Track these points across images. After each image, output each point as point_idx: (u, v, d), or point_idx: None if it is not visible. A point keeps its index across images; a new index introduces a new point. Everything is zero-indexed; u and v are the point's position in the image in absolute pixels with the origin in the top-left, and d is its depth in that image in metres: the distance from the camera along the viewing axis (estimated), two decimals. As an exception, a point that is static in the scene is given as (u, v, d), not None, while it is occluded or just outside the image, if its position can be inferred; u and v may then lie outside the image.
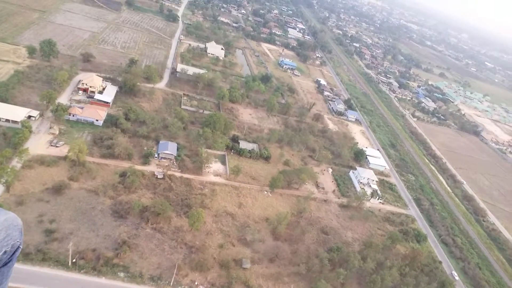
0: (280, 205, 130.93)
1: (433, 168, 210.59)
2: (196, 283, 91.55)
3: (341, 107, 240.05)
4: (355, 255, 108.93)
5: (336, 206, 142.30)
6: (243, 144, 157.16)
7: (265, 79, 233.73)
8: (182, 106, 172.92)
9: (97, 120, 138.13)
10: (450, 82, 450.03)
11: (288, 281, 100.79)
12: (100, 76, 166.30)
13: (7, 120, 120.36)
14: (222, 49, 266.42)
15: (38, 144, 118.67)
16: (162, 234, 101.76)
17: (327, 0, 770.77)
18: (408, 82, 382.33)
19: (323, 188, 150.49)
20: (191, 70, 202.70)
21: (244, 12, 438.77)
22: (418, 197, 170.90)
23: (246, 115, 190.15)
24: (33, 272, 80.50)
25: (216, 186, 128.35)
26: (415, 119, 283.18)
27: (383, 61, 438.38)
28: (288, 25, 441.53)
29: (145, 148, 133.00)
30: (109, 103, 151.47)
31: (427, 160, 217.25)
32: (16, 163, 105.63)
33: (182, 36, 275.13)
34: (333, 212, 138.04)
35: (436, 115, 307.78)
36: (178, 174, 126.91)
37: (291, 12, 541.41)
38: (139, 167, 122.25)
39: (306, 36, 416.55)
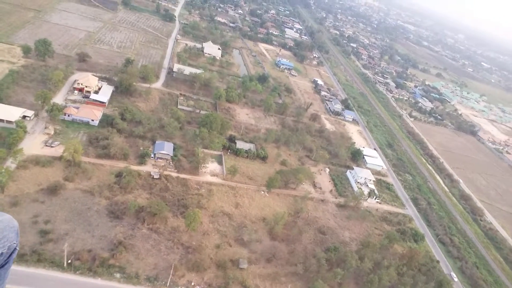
0: (277, 205, 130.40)
1: (430, 167, 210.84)
2: (192, 284, 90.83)
3: (338, 107, 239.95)
4: (353, 255, 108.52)
5: (333, 206, 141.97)
6: (240, 144, 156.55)
7: (262, 79, 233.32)
8: (179, 106, 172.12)
9: (92, 120, 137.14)
10: (447, 82, 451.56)
11: (285, 281, 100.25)
12: (96, 76, 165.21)
13: (2, 120, 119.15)
14: (219, 49, 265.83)
15: (33, 144, 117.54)
16: (159, 235, 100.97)
17: (324, 0, 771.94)
18: (405, 82, 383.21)
19: (320, 188, 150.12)
20: (187, 70, 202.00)
21: (241, 12, 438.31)
22: (415, 196, 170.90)
23: (243, 115, 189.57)
24: (28, 273, 79.53)
25: (212, 186, 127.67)
26: (412, 119, 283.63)
27: (380, 61, 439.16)
28: (285, 25, 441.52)
29: (141, 148, 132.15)
30: (105, 103, 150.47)
31: (424, 160, 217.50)
32: (10, 163, 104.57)
33: (178, 36, 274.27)
34: (330, 212, 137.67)
35: (433, 115, 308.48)
36: (174, 174, 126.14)
37: (288, 12, 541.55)
38: (135, 167, 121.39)
39: (303, 36, 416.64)
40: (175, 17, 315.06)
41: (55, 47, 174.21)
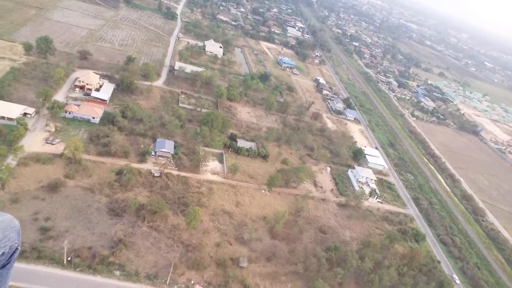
0: (277, 204, 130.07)
1: (432, 167, 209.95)
2: (192, 282, 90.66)
3: (340, 106, 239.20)
4: (353, 255, 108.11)
5: (334, 205, 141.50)
6: (241, 143, 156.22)
7: (264, 77, 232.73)
8: (180, 104, 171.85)
9: (93, 118, 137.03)
10: (450, 82, 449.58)
11: (285, 280, 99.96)
12: (97, 74, 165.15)
13: (3, 117, 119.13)
14: (220, 47, 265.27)
15: (34, 141, 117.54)
16: (159, 233, 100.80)
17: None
18: (408, 81, 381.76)
19: (321, 187, 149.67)
20: (189, 68, 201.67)
21: (243, 10, 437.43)
22: (416, 196, 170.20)
23: (244, 113, 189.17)
24: (28, 270, 79.49)
25: (213, 184, 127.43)
26: (414, 119, 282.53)
27: (382, 60, 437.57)
28: (287, 24, 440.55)
29: (142, 146, 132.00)
30: (106, 100, 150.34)
31: (426, 160, 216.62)
32: (11, 160, 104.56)
33: (180, 34, 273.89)
34: (331, 211, 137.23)
35: (435, 114, 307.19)
36: (175, 172, 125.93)
37: (290, 10, 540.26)
38: (135, 165, 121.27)
39: (305, 35, 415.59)
40: (177, 15, 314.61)
41: (56, 45, 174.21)
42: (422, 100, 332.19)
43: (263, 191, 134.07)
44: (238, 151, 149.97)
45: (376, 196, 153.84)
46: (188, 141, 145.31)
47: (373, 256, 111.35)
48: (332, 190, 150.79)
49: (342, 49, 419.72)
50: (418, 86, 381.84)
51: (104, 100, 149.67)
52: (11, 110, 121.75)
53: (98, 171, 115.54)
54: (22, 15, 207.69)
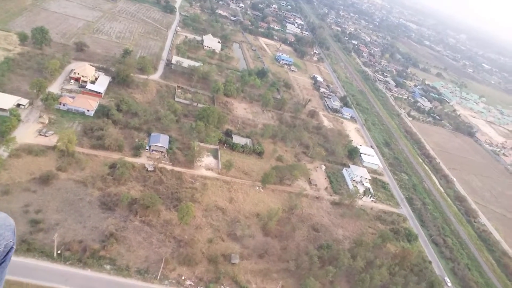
0: (271, 201, 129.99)
1: (427, 168, 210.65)
2: (183, 278, 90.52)
3: (336, 104, 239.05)
4: (345, 253, 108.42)
5: (328, 204, 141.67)
6: (236, 139, 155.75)
7: (261, 73, 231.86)
8: (176, 99, 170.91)
9: (88, 111, 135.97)
10: (447, 83, 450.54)
11: (276, 278, 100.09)
12: (93, 66, 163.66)
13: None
14: (218, 42, 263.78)
15: (27, 133, 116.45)
16: (151, 227, 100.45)
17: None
18: (405, 81, 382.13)
19: (315, 185, 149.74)
20: (186, 63, 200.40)
21: (243, 5, 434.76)
22: (410, 196, 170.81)
23: (241, 109, 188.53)
24: (17, 263, 78.79)
25: (207, 180, 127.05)
26: (410, 118, 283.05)
27: (380, 59, 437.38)
28: (286, 20, 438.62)
29: (137, 140, 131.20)
30: (101, 93, 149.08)
31: (420, 160, 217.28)
32: (2, 151, 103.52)
33: (178, 28, 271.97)
34: (324, 209, 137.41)
35: (432, 115, 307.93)
36: (169, 167, 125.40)
37: (290, 7, 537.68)
38: (129, 159, 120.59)
39: (304, 32, 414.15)
40: (176, 8, 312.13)
41: (52, 36, 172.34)
42: (419, 100, 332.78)
43: (257, 188, 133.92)
44: (233, 147, 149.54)
45: (370, 195, 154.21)
46: (183, 136, 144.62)
47: (365, 255, 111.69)
48: (326, 188, 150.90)
49: (341, 47, 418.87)
50: (415, 86, 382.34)
51: (99, 93, 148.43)
52: (4, 100, 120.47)
53: (91, 164, 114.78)
54: (18, 5, 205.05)
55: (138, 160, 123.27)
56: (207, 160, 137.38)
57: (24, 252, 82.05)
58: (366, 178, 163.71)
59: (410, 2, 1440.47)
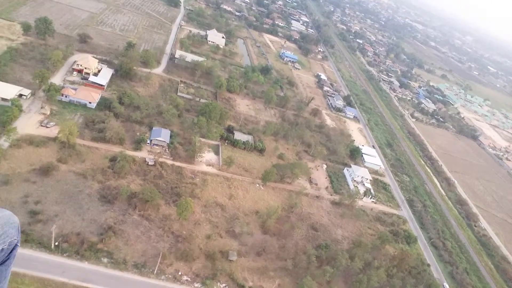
0: (271, 199, 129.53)
1: (429, 170, 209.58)
2: (180, 273, 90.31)
3: (340, 103, 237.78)
4: (343, 254, 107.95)
5: (328, 203, 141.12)
6: (238, 135, 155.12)
7: (265, 70, 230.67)
8: (179, 93, 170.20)
9: (90, 103, 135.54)
10: (452, 85, 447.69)
11: (273, 276, 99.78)
12: (96, 58, 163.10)
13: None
14: (223, 37, 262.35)
15: (28, 123, 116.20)
16: (149, 222, 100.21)
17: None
18: (409, 82, 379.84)
19: (316, 184, 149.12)
20: (189, 57, 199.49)
21: (248, 1, 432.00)
22: (411, 198, 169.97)
23: (243, 106, 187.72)
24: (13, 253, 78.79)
25: (207, 176, 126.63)
26: (413, 120, 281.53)
27: (385, 59, 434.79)
28: (291, 17, 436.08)
29: (138, 134, 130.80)
30: (104, 86, 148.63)
31: (423, 162, 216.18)
32: (3, 141, 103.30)
33: (183, 22, 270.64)
34: (324, 209, 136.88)
35: (435, 117, 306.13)
36: (169, 162, 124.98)
37: (295, 4, 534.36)
38: (130, 153, 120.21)
39: (309, 29, 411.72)
40: (180, 2, 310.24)
41: (56, 27, 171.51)
42: (423, 101, 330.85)
43: (258, 185, 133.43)
44: (234, 143, 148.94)
45: (370, 196, 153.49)
46: (184, 131, 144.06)
47: (363, 256, 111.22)
48: (327, 187, 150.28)
49: (346, 45, 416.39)
50: (419, 87, 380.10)
51: (101, 85, 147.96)
52: (6, 90, 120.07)
53: (92, 156, 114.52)
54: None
55: (138, 154, 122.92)
56: (208, 156, 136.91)
57: (22, 242, 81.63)
58: (367, 179, 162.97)
59: (418, 2, 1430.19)
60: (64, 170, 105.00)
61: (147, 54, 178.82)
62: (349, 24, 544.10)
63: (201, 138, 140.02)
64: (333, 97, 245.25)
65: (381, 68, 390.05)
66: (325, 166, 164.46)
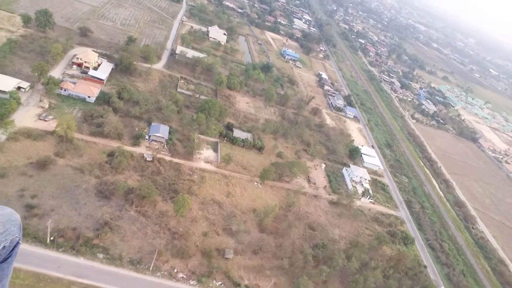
0: (269, 197, 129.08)
1: (428, 171, 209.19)
2: (175, 270, 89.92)
3: (340, 102, 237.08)
4: (340, 254, 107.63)
5: (326, 203, 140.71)
6: (237, 133, 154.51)
7: (266, 68, 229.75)
8: (178, 89, 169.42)
9: (89, 97, 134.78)
10: (453, 86, 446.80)
11: (269, 275, 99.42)
12: (96, 52, 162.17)
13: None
14: (224, 34, 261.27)
15: (26, 116, 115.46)
16: (146, 218, 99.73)
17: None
18: (411, 83, 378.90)
19: (314, 183, 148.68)
20: (190, 53, 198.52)
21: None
22: (409, 199, 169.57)
23: (243, 103, 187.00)
24: (9, 247, 78.36)
25: (205, 173, 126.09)
26: (414, 121, 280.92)
27: (387, 60, 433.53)
28: (294, 15, 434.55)
29: (136, 129, 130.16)
30: (103, 80, 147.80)
31: (422, 163, 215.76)
32: (0, 134, 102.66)
33: (184, 17, 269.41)
34: (322, 208, 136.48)
35: (436, 118, 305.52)
36: (167, 158, 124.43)
37: (298, 2, 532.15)
38: (128, 148, 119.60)
39: (311, 28, 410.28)
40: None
41: (56, 19, 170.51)
42: (424, 103, 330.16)
43: (256, 183, 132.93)
44: (233, 141, 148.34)
45: (368, 196, 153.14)
46: (183, 127, 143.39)
47: (360, 257, 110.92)
48: (325, 187, 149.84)
49: (348, 45, 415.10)
50: (420, 88, 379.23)
51: (101, 80, 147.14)
52: (4, 82, 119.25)
53: (90, 151, 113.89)
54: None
55: (137, 150, 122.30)
56: (207, 153, 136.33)
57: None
58: (366, 179, 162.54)
59: (420, 3, 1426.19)
60: (61, 164, 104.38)
61: (148, 49, 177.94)
62: (351, 24, 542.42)
63: (200, 135, 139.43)
64: (334, 96, 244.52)
65: (382, 68, 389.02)
66: (323, 165, 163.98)
